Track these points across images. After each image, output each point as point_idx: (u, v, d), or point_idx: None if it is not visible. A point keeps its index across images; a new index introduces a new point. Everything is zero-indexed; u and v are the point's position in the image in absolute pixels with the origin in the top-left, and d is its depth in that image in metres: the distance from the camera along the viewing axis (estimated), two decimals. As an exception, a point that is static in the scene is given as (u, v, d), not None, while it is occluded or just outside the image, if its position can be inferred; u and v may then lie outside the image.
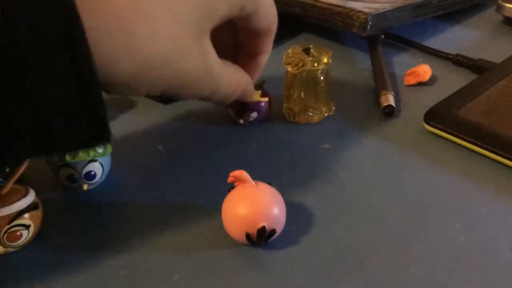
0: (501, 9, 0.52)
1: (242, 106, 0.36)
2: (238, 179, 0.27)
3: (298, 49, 0.36)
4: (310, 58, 0.35)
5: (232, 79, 0.31)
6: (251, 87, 0.34)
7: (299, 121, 0.37)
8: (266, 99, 0.36)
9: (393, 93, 0.39)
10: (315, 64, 0.35)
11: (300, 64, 0.35)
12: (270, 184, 0.28)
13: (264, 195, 0.27)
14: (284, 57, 0.36)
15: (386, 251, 0.27)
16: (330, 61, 0.35)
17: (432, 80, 0.42)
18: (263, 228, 0.26)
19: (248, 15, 0.30)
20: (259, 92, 0.36)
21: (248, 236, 0.26)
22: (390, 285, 0.25)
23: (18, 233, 0.26)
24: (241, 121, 0.37)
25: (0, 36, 0.19)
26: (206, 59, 0.28)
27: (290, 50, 0.36)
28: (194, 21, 0.26)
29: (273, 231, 0.26)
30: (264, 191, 0.27)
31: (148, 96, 0.41)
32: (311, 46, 0.36)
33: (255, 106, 0.36)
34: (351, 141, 0.35)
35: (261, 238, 0.26)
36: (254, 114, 0.36)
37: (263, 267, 0.26)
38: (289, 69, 0.36)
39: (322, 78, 0.35)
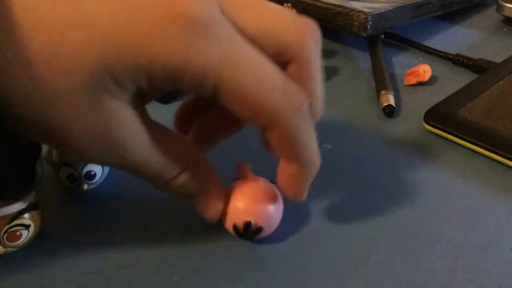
0: (501, 9, 0.52)
1: None
2: (239, 172, 0.28)
3: None
4: None
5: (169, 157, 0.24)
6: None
7: None
8: None
9: (393, 93, 0.39)
10: None
11: None
12: (273, 182, 0.28)
13: (259, 191, 0.27)
14: None
15: (386, 251, 0.27)
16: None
17: (432, 80, 0.42)
18: (249, 223, 0.26)
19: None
20: None
21: (235, 227, 0.26)
22: (390, 285, 0.25)
23: (18, 233, 0.26)
24: None
25: None
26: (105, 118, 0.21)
27: None
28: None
29: (259, 229, 0.26)
30: (262, 187, 0.27)
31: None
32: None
33: None
34: (351, 141, 0.35)
35: (247, 232, 0.26)
36: None
37: (263, 267, 0.26)
38: None
39: None
